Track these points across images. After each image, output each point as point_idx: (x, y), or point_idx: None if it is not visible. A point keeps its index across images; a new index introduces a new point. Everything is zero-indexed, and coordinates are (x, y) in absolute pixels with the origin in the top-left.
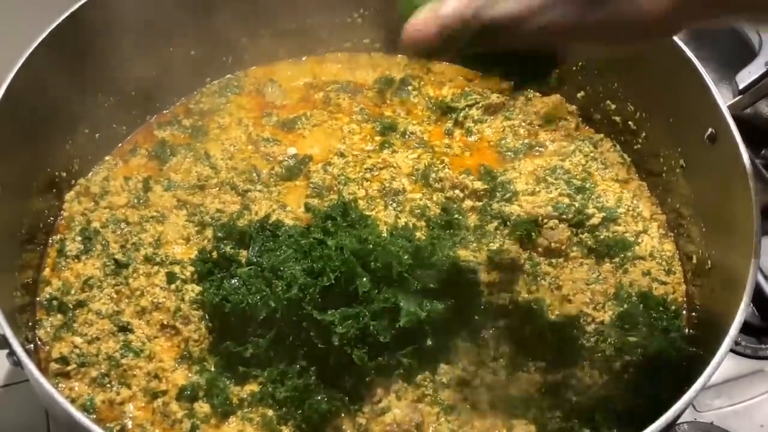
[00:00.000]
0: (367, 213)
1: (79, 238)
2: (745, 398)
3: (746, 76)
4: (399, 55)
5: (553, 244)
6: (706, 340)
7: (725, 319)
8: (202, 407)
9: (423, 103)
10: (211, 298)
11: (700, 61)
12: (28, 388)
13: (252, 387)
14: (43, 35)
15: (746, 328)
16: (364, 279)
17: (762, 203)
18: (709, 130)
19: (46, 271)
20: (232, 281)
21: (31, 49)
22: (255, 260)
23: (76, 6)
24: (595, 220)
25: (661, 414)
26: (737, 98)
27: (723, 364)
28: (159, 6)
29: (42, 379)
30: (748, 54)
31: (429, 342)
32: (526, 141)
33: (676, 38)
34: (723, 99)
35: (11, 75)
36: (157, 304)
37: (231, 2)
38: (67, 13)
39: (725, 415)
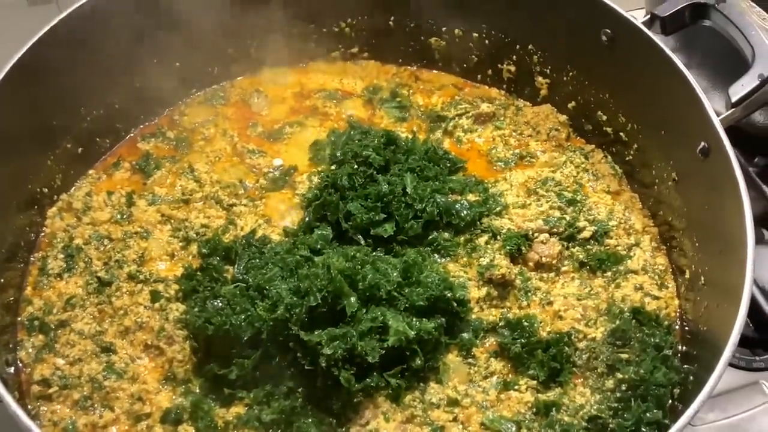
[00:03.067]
0: None
1: (61, 256)
2: (740, 411)
3: (739, 89)
4: (388, 64)
5: (544, 259)
6: (700, 356)
7: (720, 335)
8: (187, 430)
9: (413, 111)
10: (194, 321)
11: (690, 69)
12: None
13: (238, 409)
14: (23, 50)
15: (740, 340)
16: (352, 299)
17: (756, 211)
18: (702, 143)
19: (28, 290)
20: (215, 302)
21: (10, 64)
22: (241, 277)
23: (57, 20)
24: (586, 234)
25: None
26: (729, 111)
27: None
28: (142, 17)
29: (19, 411)
30: (740, 62)
31: (418, 362)
32: (516, 151)
33: (666, 48)
34: (715, 109)
35: None
36: (140, 324)
37: (215, 12)
38: (47, 27)
39: (719, 429)
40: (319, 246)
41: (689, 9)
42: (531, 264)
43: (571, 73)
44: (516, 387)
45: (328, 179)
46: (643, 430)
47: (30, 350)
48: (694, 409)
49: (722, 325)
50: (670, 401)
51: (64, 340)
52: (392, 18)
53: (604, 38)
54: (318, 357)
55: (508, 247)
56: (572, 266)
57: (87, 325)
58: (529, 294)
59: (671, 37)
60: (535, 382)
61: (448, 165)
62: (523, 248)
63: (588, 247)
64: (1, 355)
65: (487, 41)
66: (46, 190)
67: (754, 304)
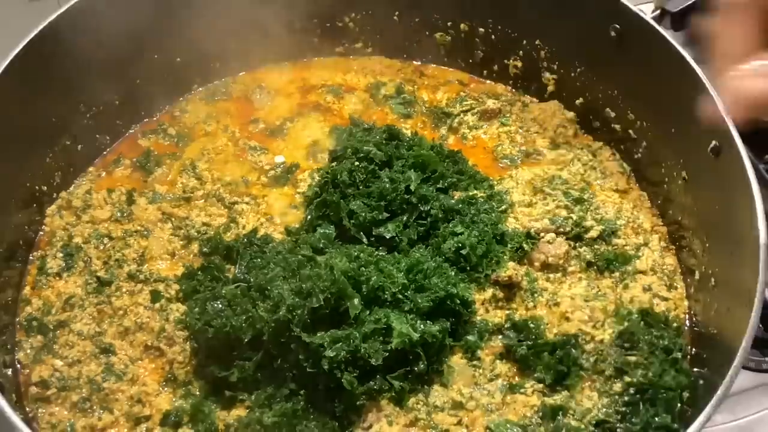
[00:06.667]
0: None
1: (60, 255)
2: (749, 413)
3: None
4: (392, 59)
5: (550, 259)
6: (710, 359)
7: (732, 338)
8: None
9: (417, 107)
10: (194, 324)
11: (699, 64)
12: None
13: (239, 412)
14: (22, 45)
15: None
16: (356, 300)
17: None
18: (713, 142)
19: (27, 290)
20: (216, 303)
21: (9, 60)
22: (242, 277)
23: (56, 15)
24: (593, 233)
25: None
26: None
27: None
28: (143, 12)
29: (14, 418)
30: None
31: (422, 365)
32: (522, 148)
33: (676, 44)
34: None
35: None
36: (140, 324)
37: (217, 7)
38: (46, 22)
39: (728, 431)
40: (321, 245)
41: (700, 4)
42: (537, 264)
43: (578, 69)
44: (522, 390)
45: (328, 176)
46: None
47: (28, 351)
48: (705, 416)
49: (734, 327)
50: (679, 405)
51: (63, 340)
52: (397, 12)
53: (612, 34)
54: (320, 359)
55: (514, 247)
56: (579, 266)
57: (86, 325)
58: (536, 295)
59: (680, 33)
60: (541, 385)
61: (453, 161)
62: (526, 246)
63: (595, 246)
64: None
65: (493, 36)
66: (45, 187)
67: (765, 305)
